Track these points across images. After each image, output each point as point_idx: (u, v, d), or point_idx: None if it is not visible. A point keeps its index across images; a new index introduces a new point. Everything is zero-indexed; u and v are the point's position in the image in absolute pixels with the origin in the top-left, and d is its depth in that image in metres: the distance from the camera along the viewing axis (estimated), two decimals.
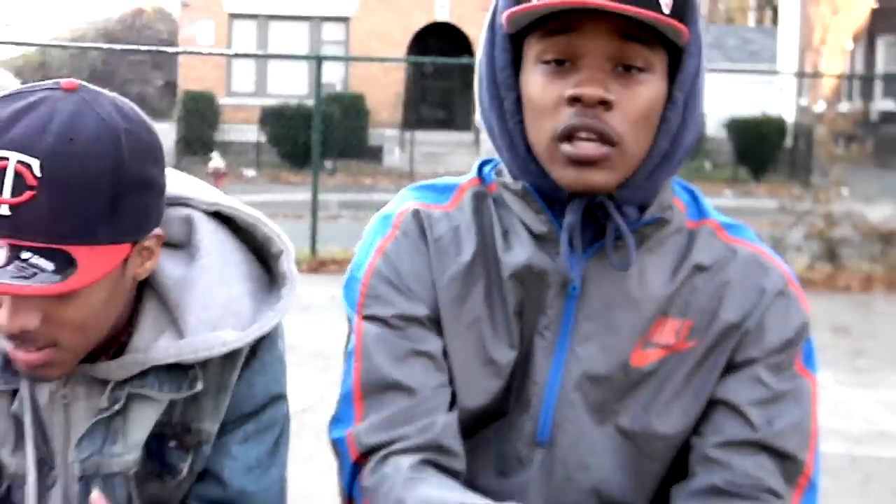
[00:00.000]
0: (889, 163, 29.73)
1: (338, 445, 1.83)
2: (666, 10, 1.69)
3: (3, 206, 1.56)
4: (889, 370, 9.28)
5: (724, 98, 33.51)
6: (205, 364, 1.81)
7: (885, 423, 7.68)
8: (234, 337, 1.79)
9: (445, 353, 1.86)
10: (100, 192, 1.61)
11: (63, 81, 1.64)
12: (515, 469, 1.88)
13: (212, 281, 1.80)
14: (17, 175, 1.57)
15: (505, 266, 1.84)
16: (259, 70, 32.68)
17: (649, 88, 1.74)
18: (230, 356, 1.82)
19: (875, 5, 37.96)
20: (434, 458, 1.79)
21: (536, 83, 1.76)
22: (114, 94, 1.69)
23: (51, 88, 1.63)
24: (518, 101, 1.80)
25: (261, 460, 1.89)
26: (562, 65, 1.73)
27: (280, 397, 1.91)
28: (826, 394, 8.29)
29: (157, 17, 44.44)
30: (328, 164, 17.37)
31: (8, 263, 1.55)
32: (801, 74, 39.62)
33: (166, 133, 28.28)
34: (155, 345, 1.77)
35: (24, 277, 1.55)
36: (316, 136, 14.89)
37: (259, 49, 32.59)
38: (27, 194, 1.57)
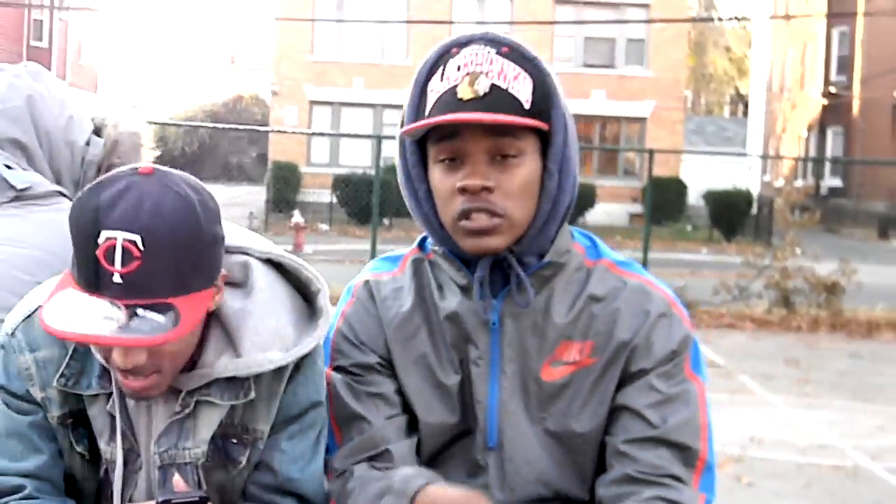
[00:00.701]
0: (834, 229, 29.60)
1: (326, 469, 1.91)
2: (527, 106, 1.75)
3: (115, 275, 1.59)
4: (830, 395, 9.18)
5: (703, 174, 33.49)
6: (258, 377, 1.81)
7: (826, 438, 7.60)
8: (279, 357, 1.79)
9: (398, 389, 1.91)
10: (188, 253, 1.64)
11: (140, 167, 1.67)
12: (477, 472, 1.89)
13: (263, 312, 1.80)
14: (125, 250, 1.59)
15: (441, 311, 1.88)
16: (332, 146, 32.78)
17: (523, 168, 1.78)
18: (278, 371, 1.82)
19: (826, 102, 37.84)
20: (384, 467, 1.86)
21: (437, 177, 1.81)
22: (181, 172, 1.72)
23: (131, 175, 1.65)
24: (429, 190, 1.84)
25: (304, 454, 1.87)
26: (453, 161, 1.78)
27: (319, 403, 1.89)
28: (778, 413, 8.30)
29: (253, 102, 44.77)
30: (385, 221, 17.39)
31: (129, 321, 1.59)
32: (765, 157, 39.60)
33: (259, 194, 28.35)
34: (217, 362, 1.78)
35: (145, 331, 1.59)
36: (375, 199, 14.90)
37: (333, 129, 32.77)
38: (134, 264, 1.59)
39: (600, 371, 1.86)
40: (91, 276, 1.61)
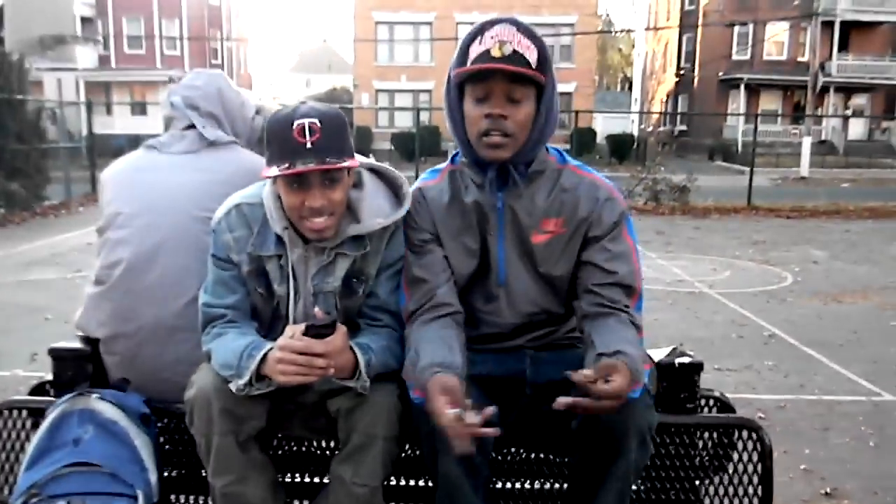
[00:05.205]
0: (682, 154, 29.19)
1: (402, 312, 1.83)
2: (534, 66, 1.66)
3: (307, 143, 1.62)
4: (683, 251, 9.07)
5: (606, 125, 33.05)
6: (371, 236, 1.78)
7: (682, 277, 7.54)
8: (383, 221, 1.77)
9: (445, 256, 1.82)
10: (343, 133, 1.67)
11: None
12: (492, 298, 1.84)
13: (371, 197, 1.78)
14: (310, 127, 1.62)
15: (468, 201, 1.80)
16: (390, 115, 32.45)
17: (525, 108, 1.69)
18: (382, 234, 1.79)
19: (677, 80, 37.13)
20: (439, 311, 1.76)
21: (469, 107, 1.71)
22: None
23: (306, 102, 1.70)
24: (462, 118, 1.74)
25: (394, 286, 1.83)
26: (481, 98, 1.69)
27: (403, 256, 1.86)
28: (653, 262, 8.29)
29: (343, 92, 44.07)
30: (422, 158, 17.23)
31: (317, 163, 1.62)
32: (641, 113, 38.87)
33: None
34: (347, 227, 1.76)
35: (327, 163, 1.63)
36: (416, 146, 14.86)
37: (390, 105, 32.35)
38: (317, 135, 1.62)
39: (569, 237, 1.79)
40: (289, 150, 1.62)
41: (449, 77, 1.74)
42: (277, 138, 1.65)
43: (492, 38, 1.66)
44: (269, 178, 1.69)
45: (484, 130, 1.69)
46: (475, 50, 1.68)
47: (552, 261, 1.80)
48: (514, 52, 1.65)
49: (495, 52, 1.64)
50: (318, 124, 1.63)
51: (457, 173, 1.85)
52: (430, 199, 1.84)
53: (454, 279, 1.83)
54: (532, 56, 1.66)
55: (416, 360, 1.67)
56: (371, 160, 1.86)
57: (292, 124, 1.63)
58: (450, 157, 1.89)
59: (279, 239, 1.77)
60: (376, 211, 1.77)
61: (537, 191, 1.79)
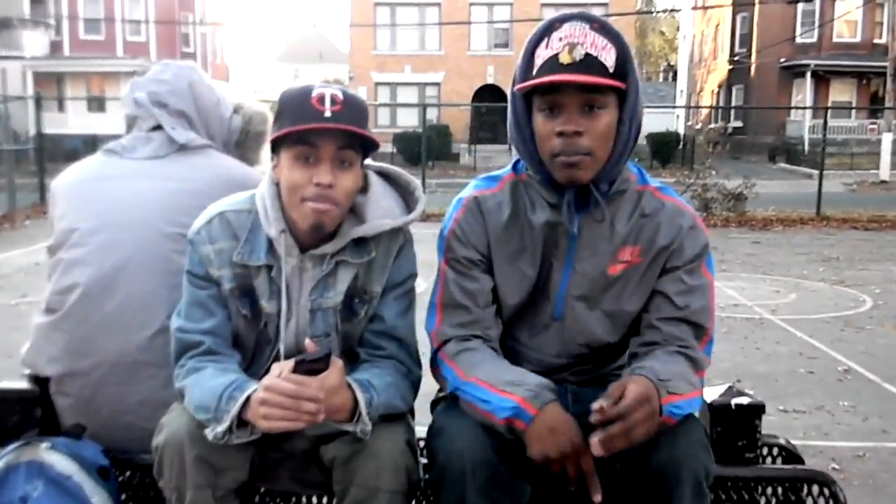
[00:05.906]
0: (737, 156, 29.26)
1: (428, 335, 1.85)
2: (611, 70, 1.65)
3: (327, 111, 1.68)
4: (740, 270, 9.07)
5: (646, 122, 33.11)
6: (376, 243, 1.82)
7: (739, 300, 7.53)
8: (391, 222, 1.82)
9: (493, 286, 1.83)
10: (363, 110, 1.74)
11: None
12: (541, 332, 1.86)
13: (378, 198, 1.83)
14: (332, 98, 1.69)
15: (535, 222, 1.80)
16: (391, 112, 32.62)
17: (605, 118, 1.67)
18: (390, 243, 1.83)
19: (731, 67, 37.20)
20: (487, 343, 1.81)
21: (539, 123, 1.70)
22: None
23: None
24: (531, 132, 1.73)
25: (403, 308, 1.86)
26: (552, 111, 1.67)
27: (414, 275, 1.89)
28: None
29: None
30: (430, 163, 17.24)
31: (338, 134, 1.70)
32: (688, 107, 38.96)
33: None
34: (350, 229, 1.79)
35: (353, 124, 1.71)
36: (423, 148, 14.90)
37: (391, 101, 32.58)
38: (338, 106, 1.69)
39: (646, 267, 1.81)
40: (306, 117, 1.68)
41: (513, 87, 1.73)
42: (292, 107, 1.71)
43: (560, 39, 1.65)
44: (277, 137, 1.73)
45: (558, 151, 1.68)
46: (542, 55, 1.66)
47: (625, 295, 1.82)
48: (587, 55, 1.63)
49: (564, 58, 1.63)
50: (341, 96, 1.71)
51: (520, 185, 1.84)
52: (486, 211, 1.83)
53: (500, 311, 1.85)
54: (609, 58, 1.65)
55: (500, 371, 1.71)
56: (379, 164, 1.90)
57: (311, 93, 1.70)
58: (511, 165, 1.89)
59: (270, 247, 1.79)
60: (383, 212, 1.82)
61: (617, 214, 1.80)
